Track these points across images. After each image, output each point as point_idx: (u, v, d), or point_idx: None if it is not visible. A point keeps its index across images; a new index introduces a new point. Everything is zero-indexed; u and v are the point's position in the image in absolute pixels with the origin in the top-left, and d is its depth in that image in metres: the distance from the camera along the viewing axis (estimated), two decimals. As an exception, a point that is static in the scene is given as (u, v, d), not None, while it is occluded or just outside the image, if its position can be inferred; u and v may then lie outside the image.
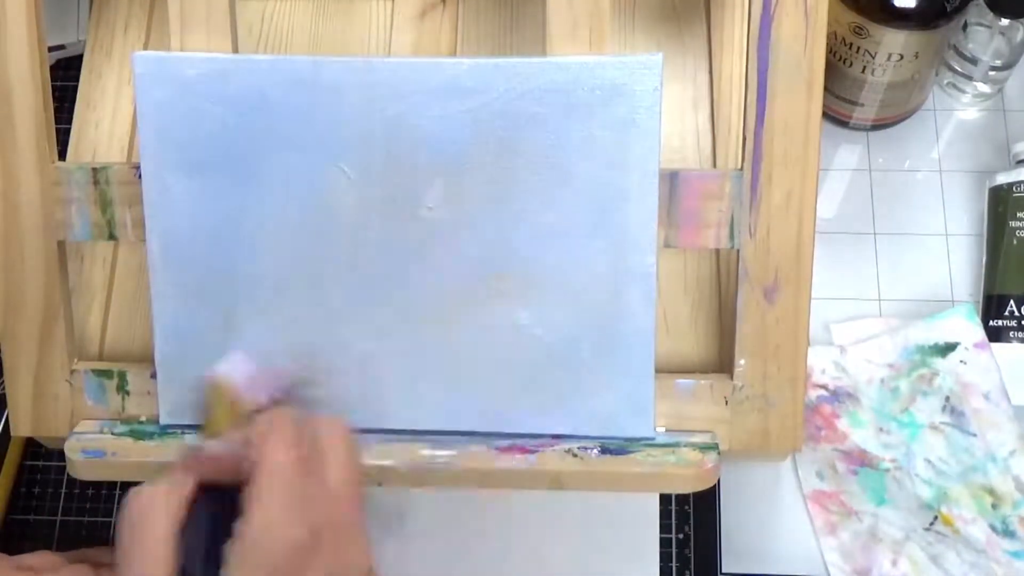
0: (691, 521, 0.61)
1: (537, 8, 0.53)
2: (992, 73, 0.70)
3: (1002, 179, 0.66)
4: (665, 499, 0.62)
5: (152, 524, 0.42)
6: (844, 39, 0.64)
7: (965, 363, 0.63)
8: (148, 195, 0.52)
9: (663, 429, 0.54)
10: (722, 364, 0.58)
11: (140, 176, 0.52)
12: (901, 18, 0.62)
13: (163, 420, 0.54)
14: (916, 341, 0.64)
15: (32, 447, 0.65)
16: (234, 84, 0.51)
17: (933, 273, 0.68)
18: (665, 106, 0.51)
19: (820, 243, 0.54)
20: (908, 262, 0.68)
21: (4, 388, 0.57)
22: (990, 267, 0.65)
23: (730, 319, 0.55)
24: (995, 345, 0.63)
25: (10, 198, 0.53)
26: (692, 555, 0.61)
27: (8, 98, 0.52)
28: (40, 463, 0.65)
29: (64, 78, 0.72)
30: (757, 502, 0.62)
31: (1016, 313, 0.64)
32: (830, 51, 0.64)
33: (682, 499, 0.62)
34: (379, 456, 0.52)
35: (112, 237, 0.54)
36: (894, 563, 0.59)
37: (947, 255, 0.68)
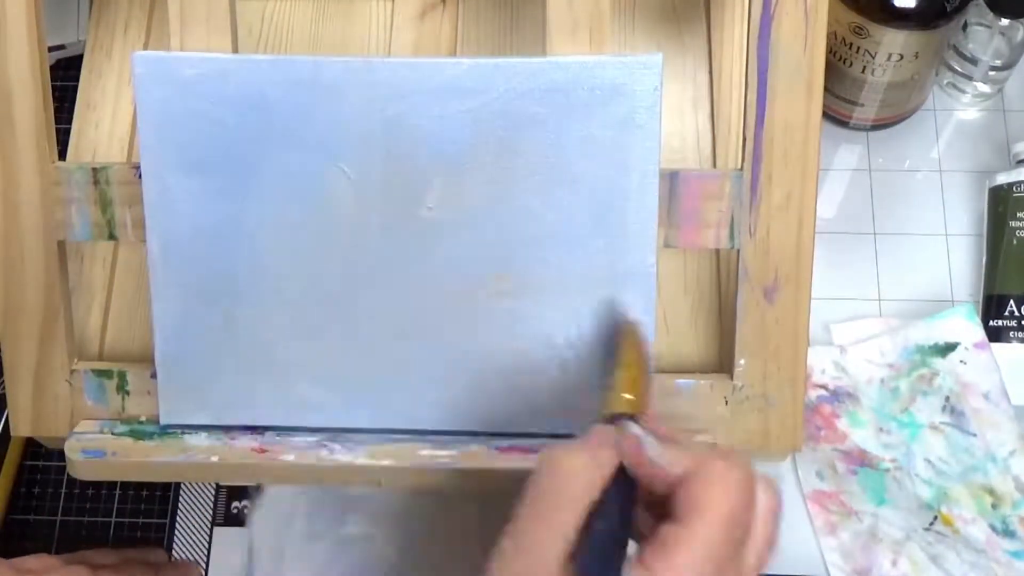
0: (691, 521, 0.61)
1: (537, 8, 0.53)
2: (992, 73, 0.70)
3: (1002, 179, 0.66)
4: (665, 499, 0.62)
5: (567, 500, 0.38)
6: (844, 39, 0.64)
7: (965, 363, 0.63)
8: (148, 195, 0.52)
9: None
10: (722, 364, 0.58)
11: (140, 176, 0.52)
12: (901, 18, 0.62)
13: (163, 420, 0.54)
14: (916, 341, 0.64)
15: (32, 447, 0.65)
16: (234, 84, 0.51)
17: (933, 273, 0.68)
18: (665, 106, 0.51)
19: (820, 243, 0.54)
20: (908, 262, 0.68)
21: (4, 388, 0.57)
22: (990, 267, 0.65)
23: (730, 319, 0.55)
24: (995, 345, 0.63)
25: (10, 198, 0.53)
26: (692, 555, 0.61)
27: (8, 98, 0.52)
28: (40, 463, 0.65)
29: (64, 78, 0.72)
30: (757, 502, 0.62)
31: (1016, 313, 0.64)
32: (830, 51, 0.65)
33: (683, 499, 0.62)
34: (379, 456, 0.52)
35: (112, 237, 0.54)
36: (894, 563, 0.59)
37: (947, 255, 0.68)
